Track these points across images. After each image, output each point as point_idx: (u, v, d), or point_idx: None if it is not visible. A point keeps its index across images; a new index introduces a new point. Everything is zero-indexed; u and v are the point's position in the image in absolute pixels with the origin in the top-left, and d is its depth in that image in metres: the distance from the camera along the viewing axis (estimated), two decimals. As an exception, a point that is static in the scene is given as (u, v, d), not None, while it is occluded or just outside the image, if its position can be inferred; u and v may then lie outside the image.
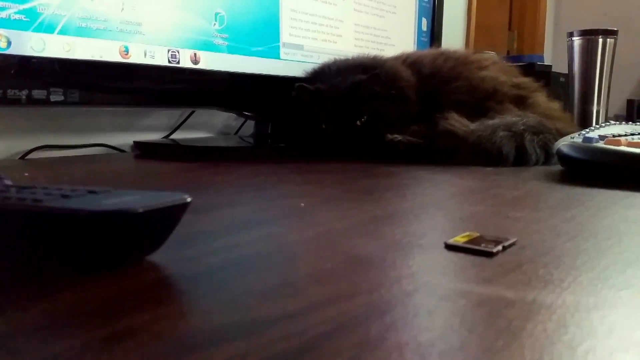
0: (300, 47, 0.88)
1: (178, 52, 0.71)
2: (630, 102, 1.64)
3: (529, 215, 0.38)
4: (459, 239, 0.30)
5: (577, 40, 1.08)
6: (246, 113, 0.83)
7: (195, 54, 0.73)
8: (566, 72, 1.31)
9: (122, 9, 0.66)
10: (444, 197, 0.46)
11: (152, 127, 0.88)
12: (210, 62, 0.75)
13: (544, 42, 2.27)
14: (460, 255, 0.27)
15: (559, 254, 0.28)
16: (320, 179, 0.56)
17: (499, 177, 0.59)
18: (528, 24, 2.26)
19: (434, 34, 1.16)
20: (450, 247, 0.29)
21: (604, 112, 1.09)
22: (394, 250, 0.28)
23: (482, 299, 0.21)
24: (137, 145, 0.78)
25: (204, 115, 0.93)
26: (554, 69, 1.42)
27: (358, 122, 0.78)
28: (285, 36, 0.85)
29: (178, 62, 0.71)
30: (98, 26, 0.64)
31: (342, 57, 0.86)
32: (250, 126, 0.95)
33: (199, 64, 0.73)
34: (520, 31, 2.28)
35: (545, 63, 1.41)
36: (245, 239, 0.30)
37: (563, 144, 0.61)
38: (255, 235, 0.31)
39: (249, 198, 0.44)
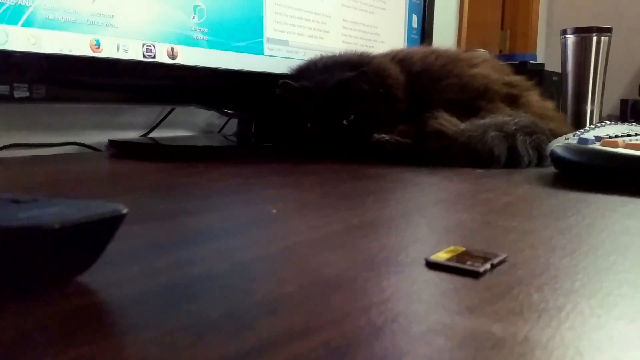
0: (285, 42, 0.84)
1: (154, 47, 0.67)
2: (623, 102, 1.61)
3: (521, 225, 0.34)
4: (442, 255, 0.26)
5: (570, 38, 1.04)
6: (228, 111, 0.79)
7: (172, 49, 0.69)
8: (559, 71, 1.28)
9: (94, 0, 0.62)
10: (429, 203, 0.42)
11: (130, 125, 0.84)
12: (189, 57, 0.71)
13: (536, 41, 2.24)
14: (443, 276, 0.24)
15: (555, 273, 0.24)
16: (300, 182, 0.52)
17: (489, 180, 0.56)
18: (520, 23, 2.22)
19: (425, 31, 1.13)
20: (431, 265, 0.25)
21: (598, 112, 1.05)
22: (367, 269, 0.24)
23: (464, 336, 0.17)
24: (112, 144, 0.74)
25: (185, 113, 0.89)
26: (546, 68, 1.39)
27: (345, 122, 0.75)
28: (269, 31, 0.81)
29: (154, 57, 0.67)
30: (67, 18, 0.59)
31: (329, 54, 0.83)
32: (234, 124, 0.91)
33: (177, 59, 0.69)
34: (512, 30, 2.25)
35: (538, 62, 1.38)
36: (199, 255, 0.26)
37: (557, 145, 0.58)
38: (212, 250, 0.27)
39: (218, 203, 0.40)
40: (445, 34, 1.68)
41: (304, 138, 0.77)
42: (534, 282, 0.23)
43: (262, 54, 0.80)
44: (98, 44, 0.62)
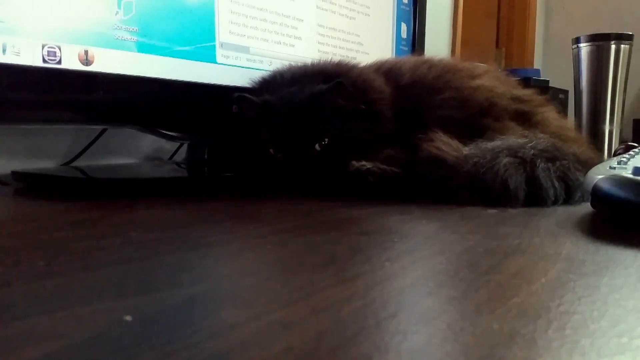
0: (244, 49, 0.67)
1: (59, 49, 0.50)
2: (636, 122, 1.44)
3: None
4: None
5: (585, 47, 0.88)
6: (168, 133, 0.61)
7: (86, 52, 0.51)
8: (564, 88, 1.12)
9: (-33, -17, 0.44)
10: (420, 290, 0.24)
11: (51, 152, 0.66)
12: (111, 63, 0.53)
13: (533, 60, 2.09)
14: None
15: None
16: (231, 237, 0.34)
17: (509, 227, 0.38)
18: (516, 41, 2.07)
19: (416, 41, 0.96)
20: None
21: (618, 132, 0.88)
22: None
23: None
24: (16, 176, 0.56)
25: (127, 136, 0.71)
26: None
27: (317, 146, 0.57)
28: (223, 34, 0.64)
29: (59, 62, 0.50)
30: None
31: (300, 63, 0.66)
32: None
33: (92, 66, 0.52)
34: (508, 48, 2.10)
35: (542, 78, 1.22)
36: None
37: (601, 178, 0.40)
38: None
39: (31, 300, 0.22)
40: (438, 52, 1.51)
41: (266, 167, 0.59)
42: None
43: (215, 61, 0.63)
44: (-25, 44, 0.45)
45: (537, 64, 2.09)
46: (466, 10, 1.66)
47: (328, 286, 0.23)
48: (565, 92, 1.20)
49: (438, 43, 1.54)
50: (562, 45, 1.19)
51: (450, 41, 1.61)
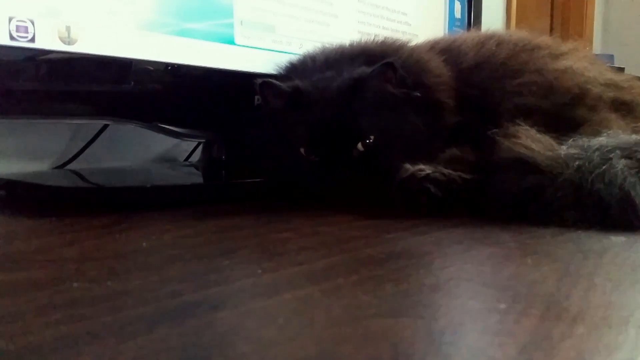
0: (270, 28, 0.54)
1: (32, 24, 0.38)
2: None
3: None
4: None
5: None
6: (178, 130, 0.49)
7: (68, 29, 0.39)
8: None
9: None
10: None
11: (47, 152, 0.55)
12: (99, 43, 0.41)
13: (592, 48, 1.88)
14: None
15: None
16: (222, 291, 0.21)
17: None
18: (572, 30, 1.87)
19: (471, 23, 0.81)
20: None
21: None
22: None
23: None
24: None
25: (135, 134, 0.59)
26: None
27: (359, 145, 0.44)
28: (243, 10, 0.51)
29: (32, 40, 0.38)
30: None
31: (335, 45, 0.52)
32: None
33: (76, 45, 0.40)
34: (564, 38, 1.90)
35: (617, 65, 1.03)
36: None
37: None
38: None
39: None
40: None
41: (295, 172, 0.46)
42: None
43: (233, 43, 0.50)
44: None
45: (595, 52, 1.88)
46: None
47: None
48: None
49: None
50: (625, 31, 1.02)
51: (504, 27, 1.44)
